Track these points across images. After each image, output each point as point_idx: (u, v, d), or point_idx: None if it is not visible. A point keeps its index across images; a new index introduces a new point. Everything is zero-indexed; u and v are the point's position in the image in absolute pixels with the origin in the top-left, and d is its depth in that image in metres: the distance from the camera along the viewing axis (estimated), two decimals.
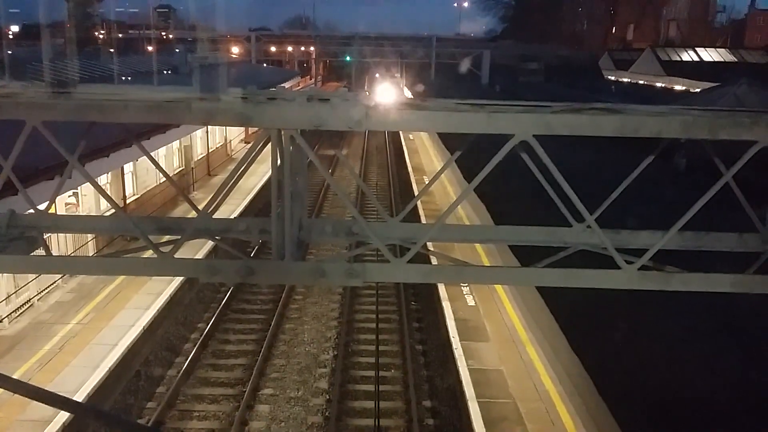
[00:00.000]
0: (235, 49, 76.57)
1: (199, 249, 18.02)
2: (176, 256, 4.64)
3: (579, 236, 5.08)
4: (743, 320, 12.67)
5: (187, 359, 15.46)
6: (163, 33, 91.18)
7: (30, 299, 15.72)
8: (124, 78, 31.78)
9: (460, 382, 12.83)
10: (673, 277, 4.72)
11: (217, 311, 18.11)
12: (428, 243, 5.33)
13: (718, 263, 5.05)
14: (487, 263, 17.74)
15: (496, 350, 13.99)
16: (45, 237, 5.06)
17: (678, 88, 63.05)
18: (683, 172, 25.49)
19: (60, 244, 17.36)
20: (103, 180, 20.00)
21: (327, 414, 13.76)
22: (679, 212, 4.66)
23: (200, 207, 4.69)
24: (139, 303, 16.00)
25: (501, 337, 14.63)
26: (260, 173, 29.33)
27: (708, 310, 12.15)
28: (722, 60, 73.97)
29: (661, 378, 10.80)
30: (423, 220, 22.79)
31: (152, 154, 5.17)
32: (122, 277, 16.91)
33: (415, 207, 24.40)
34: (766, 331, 12.59)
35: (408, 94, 61.15)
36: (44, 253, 4.88)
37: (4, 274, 14.51)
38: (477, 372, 13.08)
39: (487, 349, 14.04)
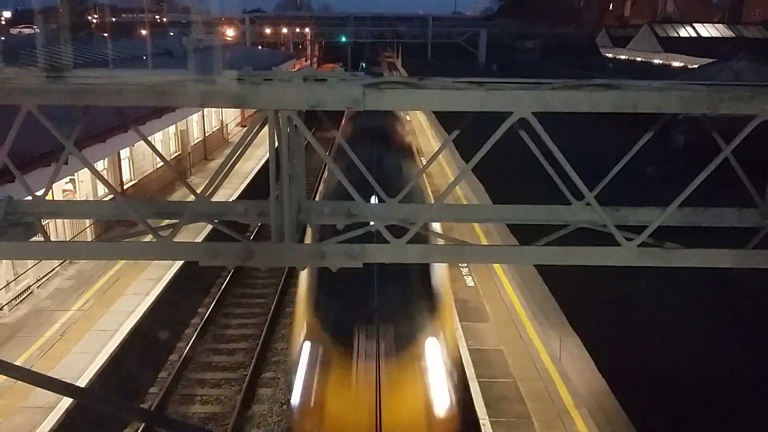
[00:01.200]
0: (230, 32, 76.00)
1: (198, 233, 18.01)
2: (175, 239, 4.63)
3: (578, 214, 5.07)
4: (741, 296, 12.73)
5: (188, 344, 15.53)
6: (157, 16, 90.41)
7: (29, 286, 15.72)
8: (118, 62, 31.55)
9: (461, 362, 12.89)
10: (673, 253, 4.71)
11: (217, 296, 18.16)
12: (427, 223, 5.32)
13: (718, 239, 5.05)
14: (485, 243, 17.76)
15: (495, 330, 14.05)
16: (43, 223, 5.04)
17: (676, 64, 62.87)
18: (681, 149, 25.47)
19: (58, 230, 17.34)
20: (100, 166, 19.93)
21: None
22: (678, 188, 4.65)
23: (198, 191, 4.67)
24: (139, 289, 16.01)
25: (501, 317, 14.68)
26: (257, 157, 29.23)
27: (708, 287, 12.20)
28: (720, 35, 73.63)
29: (660, 354, 10.87)
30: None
31: (148, 139, 5.14)
32: (121, 263, 16.91)
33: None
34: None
35: (404, 73, 59.96)
36: (43, 239, 4.86)
37: (3, 262, 14.50)
38: (477, 352, 13.14)
39: (486, 330, 14.10)
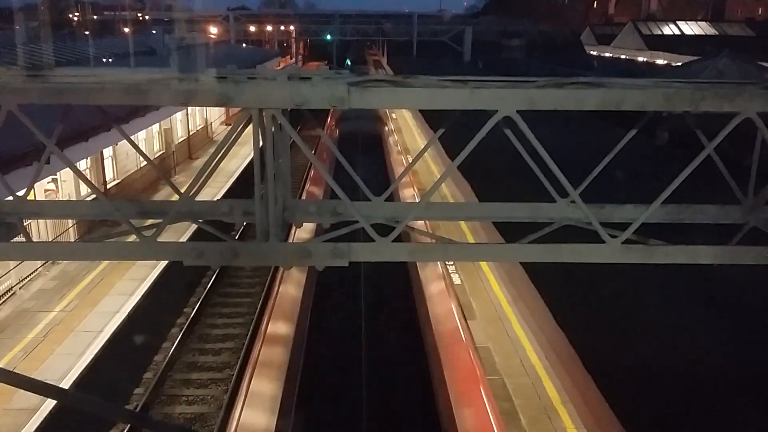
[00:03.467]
0: (213, 30, 75.55)
1: (183, 233, 17.89)
2: (159, 239, 4.59)
3: (563, 211, 5.09)
4: (724, 291, 12.86)
5: (173, 344, 15.43)
6: (139, 14, 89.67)
7: (12, 287, 15.55)
8: (100, 60, 31.26)
9: None
10: (657, 250, 4.74)
11: (203, 295, 18.06)
12: (413, 221, 5.31)
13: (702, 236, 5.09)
14: (471, 241, 17.80)
15: (482, 328, 14.08)
16: (25, 223, 4.97)
17: (660, 62, 63.39)
18: (665, 146, 25.68)
19: (40, 231, 17.17)
20: (83, 165, 19.75)
21: None
22: (662, 185, 4.68)
23: (182, 190, 4.63)
24: (123, 289, 15.89)
25: (487, 314, 14.72)
26: (242, 155, 29.11)
27: (690, 282, 12.31)
28: (704, 33, 74.31)
29: (646, 349, 10.95)
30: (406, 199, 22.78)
31: (132, 138, 5.09)
32: (105, 263, 16.78)
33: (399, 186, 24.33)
34: (748, 303, 12.79)
35: (389, 71, 59.61)
36: (24, 240, 4.80)
37: None
38: None
39: (473, 327, 14.12)
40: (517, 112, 4.19)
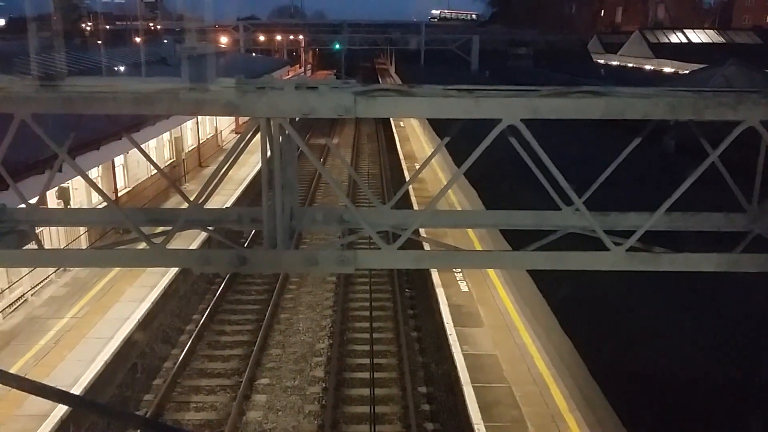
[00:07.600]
0: (224, 39, 75.98)
1: (192, 240, 18.01)
2: (169, 246, 4.66)
3: (568, 219, 5.13)
4: (727, 298, 12.79)
5: (183, 351, 15.50)
6: (151, 24, 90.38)
7: (24, 294, 15.68)
8: (112, 69, 31.51)
9: (455, 368, 12.92)
10: (661, 257, 4.77)
11: (212, 302, 18.14)
12: (420, 229, 5.36)
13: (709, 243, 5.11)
14: (479, 248, 17.81)
15: (490, 335, 14.09)
16: (37, 231, 5.06)
17: (667, 70, 63.22)
18: (672, 154, 25.58)
19: (52, 238, 17.31)
20: (94, 173, 19.90)
21: (323, 402, 13.85)
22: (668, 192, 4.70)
23: (192, 198, 4.70)
24: (134, 296, 15.99)
25: (495, 322, 14.72)
26: (252, 164, 29.26)
27: (694, 289, 12.25)
28: (711, 41, 74.10)
29: (651, 356, 10.91)
30: (415, 206, 22.82)
31: (143, 146, 5.17)
32: (116, 270, 16.90)
33: (407, 193, 24.43)
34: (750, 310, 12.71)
35: (397, 79, 59.60)
36: (36, 247, 4.88)
37: None
38: (471, 357, 13.17)
39: (481, 335, 14.13)
40: (522, 120, 4.24)
